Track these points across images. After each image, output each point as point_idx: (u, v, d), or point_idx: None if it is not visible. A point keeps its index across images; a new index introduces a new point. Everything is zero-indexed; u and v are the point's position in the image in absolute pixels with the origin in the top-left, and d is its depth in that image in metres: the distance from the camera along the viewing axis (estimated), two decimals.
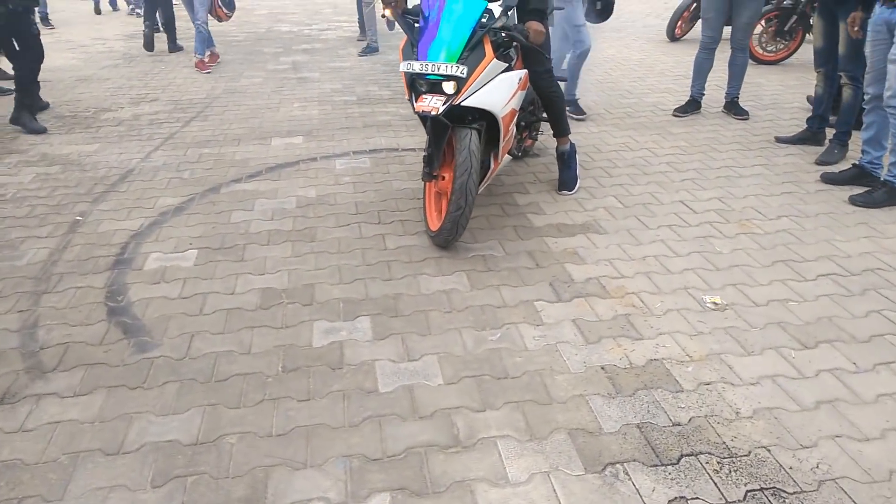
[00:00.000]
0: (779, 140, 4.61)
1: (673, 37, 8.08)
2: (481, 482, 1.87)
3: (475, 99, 2.86)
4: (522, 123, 3.68)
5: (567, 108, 4.07)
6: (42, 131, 4.97)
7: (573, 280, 2.90)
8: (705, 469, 1.90)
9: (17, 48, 4.82)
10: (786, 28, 6.61)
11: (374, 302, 2.76)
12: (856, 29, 3.66)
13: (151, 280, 2.96)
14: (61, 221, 3.55)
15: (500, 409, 2.14)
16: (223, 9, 6.99)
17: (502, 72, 2.98)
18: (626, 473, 1.89)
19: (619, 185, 3.94)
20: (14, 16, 4.65)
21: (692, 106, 5.27)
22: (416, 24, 3.03)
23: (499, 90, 2.95)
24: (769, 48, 6.87)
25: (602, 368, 2.34)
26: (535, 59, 3.37)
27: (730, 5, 4.83)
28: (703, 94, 5.27)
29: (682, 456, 1.95)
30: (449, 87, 2.80)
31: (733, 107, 5.21)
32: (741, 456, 1.94)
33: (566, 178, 3.79)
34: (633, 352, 2.43)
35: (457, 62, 2.79)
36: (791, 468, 1.90)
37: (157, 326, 2.61)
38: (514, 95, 3.04)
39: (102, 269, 3.05)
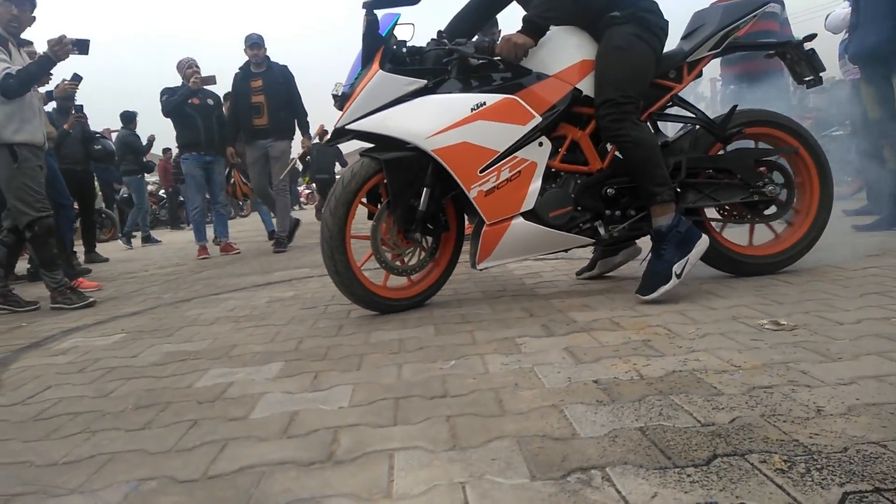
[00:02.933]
0: (858, 228, 3.80)
1: None
2: (340, 498, 1.04)
3: (368, 122, 2.34)
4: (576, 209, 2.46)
5: None
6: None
7: (574, 321, 2.11)
8: (758, 469, 1.00)
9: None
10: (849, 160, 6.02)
11: (299, 352, 2.06)
12: None
13: (50, 354, 2.38)
14: (5, 327, 3.11)
15: (416, 423, 1.33)
16: (247, 184, 6.62)
17: (454, 92, 2.37)
18: (607, 479, 1.01)
19: None
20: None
21: None
22: None
23: (419, 114, 2.33)
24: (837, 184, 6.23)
25: (595, 382, 1.50)
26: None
27: None
28: None
29: (714, 457, 1.06)
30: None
31: None
32: (831, 453, 1.04)
33: (649, 272, 2.29)
34: (646, 366, 1.58)
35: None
36: None
37: (12, 383, 2.00)
38: (460, 124, 2.30)
39: (7, 352, 2.50)
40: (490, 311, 2.42)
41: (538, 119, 2.34)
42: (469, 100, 2.34)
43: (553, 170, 2.42)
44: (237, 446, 1.31)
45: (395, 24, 2.41)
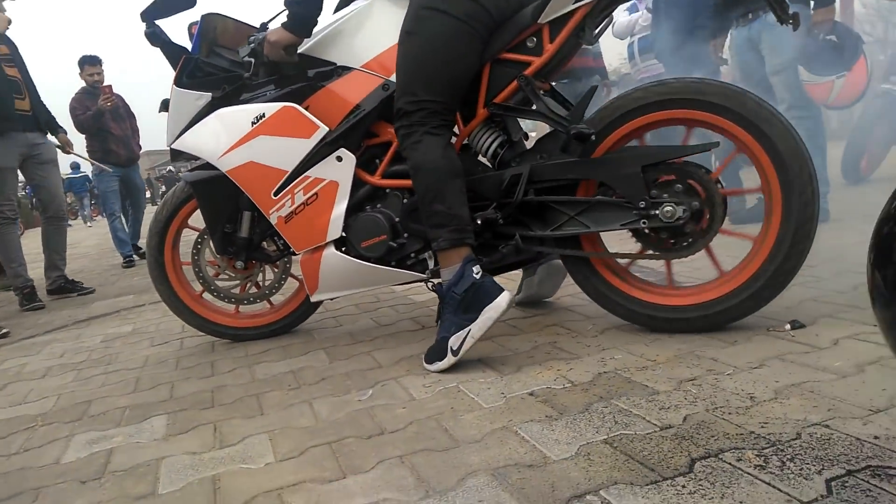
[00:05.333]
0: None
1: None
2: None
3: (181, 142, 2.13)
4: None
5: None
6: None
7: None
8: (740, 469, 1.04)
9: None
10: None
11: (178, 401, 1.81)
12: (719, 55, 3.46)
13: None
14: None
15: (370, 471, 1.22)
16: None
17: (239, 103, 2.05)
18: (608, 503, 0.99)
19: None
20: None
21: None
22: None
23: (210, 130, 2.06)
24: None
25: (531, 394, 1.48)
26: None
27: None
28: None
29: (693, 461, 1.08)
30: None
31: None
32: (791, 441, 1.11)
33: (436, 339, 1.79)
34: (570, 370, 1.60)
35: None
36: (878, 438, 1.07)
37: None
38: (244, 140, 2.00)
39: None
40: (376, 325, 2.32)
41: (323, 130, 1.93)
42: (250, 112, 2.00)
43: (378, 187, 1.99)
44: None
45: (204, 30, 2.11)
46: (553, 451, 1.19)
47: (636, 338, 1.78)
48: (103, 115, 5.33)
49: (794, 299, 1.89)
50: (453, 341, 1.69)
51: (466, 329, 1.67)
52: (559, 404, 1.40)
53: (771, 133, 1.65)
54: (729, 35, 3.39)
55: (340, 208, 1.98)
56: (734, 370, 1.46)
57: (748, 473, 1.03)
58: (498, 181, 1.83)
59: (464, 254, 1.72)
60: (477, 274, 1.68)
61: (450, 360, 1.69)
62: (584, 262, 1.87)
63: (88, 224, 19.22)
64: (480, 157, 1.99)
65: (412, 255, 1.98)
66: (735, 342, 1.64)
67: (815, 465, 1.02)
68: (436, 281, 1.84)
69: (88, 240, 5.82)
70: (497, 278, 1.77)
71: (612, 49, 6.74)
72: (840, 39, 3.25)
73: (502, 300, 1.65)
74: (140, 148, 6.04)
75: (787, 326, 1.68)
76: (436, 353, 1.73)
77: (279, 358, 2.09)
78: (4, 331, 3.22)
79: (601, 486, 1.05)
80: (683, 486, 1.01)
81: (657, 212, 1.70)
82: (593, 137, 1.75)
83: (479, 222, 1.83)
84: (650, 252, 1.80)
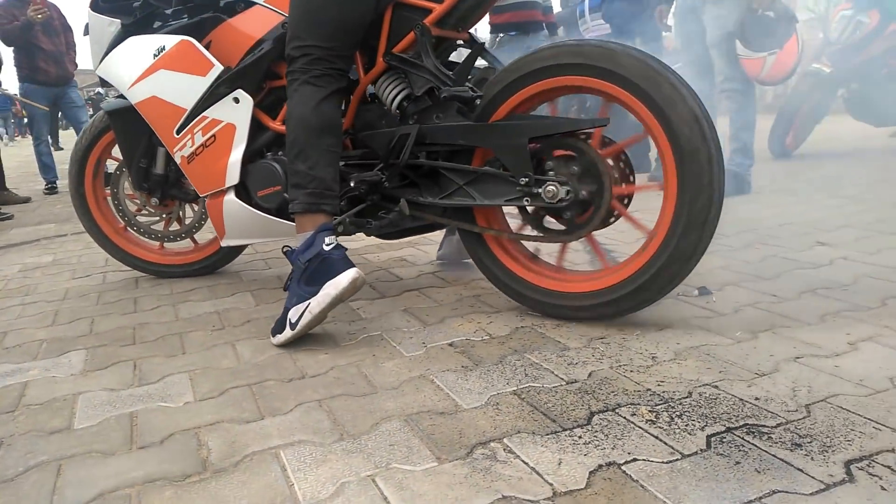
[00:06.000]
0: None
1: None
2: None
3: (101, 68, 2.05)
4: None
5: None
6: None
7: (400, 278, 2.13)
8: (633, 423, 1.12)
9: None
10: (587, 105, 6.72)
11: (98, 336, 1.80)
12: (664, 21, 3.52)
13: None
14: None
15: (288, 413, 1.25)
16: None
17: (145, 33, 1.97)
18: (510, 451, 1.06)
19: None
20: None
21: None
22: None
23: (122, 59, 1.98)
24: None
25: (450, 345, 1.54)
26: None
27: None
28: None
29: (592, 414, 1.16)
30: None
31: None
32: (682, 399, 1.20)
33: (282, 310, 1.64)
34: (490, 324, 1.66)
35: None
36: (758, 399, 1.18)
37: None
38: (147, 73, 1.92)
39: None
40: None
41: (218, 68, 1.84)
42: (153, 43, 1.92)
43: (280, 133, 1.86)
44: (77, 467, 1.12)
45: None
46: (465, 399, 1.26)
47: None
48: (33, 28, 4.95)
49: (706, 267, 2.00)
50: (293, 314, 1.56)
51: (306, 302, 1.54)
52: (476, 355, 1.47)
53: (659, 98, 1.42)
54: (674, 3, 3.44)
55: (237, 153, 1.88)
56: (641, 331, 1.55)
57: (639, 427, 1.11)
58: (387, 139, 1.71)
59: (318, 221, 1.59)
60: (328, 245, 1.54)
61: (287, 334, 1.57)
62: (475, 234, 1.74)
63: (8, 143, 18.16)
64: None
65: None
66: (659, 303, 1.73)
67: (699, 422, 1.12)
68: (291, 245, 1.67)
69: (8, 161, 5.48)
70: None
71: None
72: (776, 16, 3.35)
73: (344, 278, 1.51)
74: (76, 66, 5.64)
75: (695, 292, 1.79)
76: (279, 325, 1.61)
77: (205, 298, 2.08)
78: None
79: (505, 435, 1.12)
80: (580, 437, 1.09)
81: (540, 190, 1.56)
82: (477, 102, 1.63)
83: (352, 185, 1.73)
84: (535, 234, 1.69)
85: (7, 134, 19.38)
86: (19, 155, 11.50)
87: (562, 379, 1.32)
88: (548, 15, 5.12)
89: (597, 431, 1.11)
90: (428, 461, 1.05)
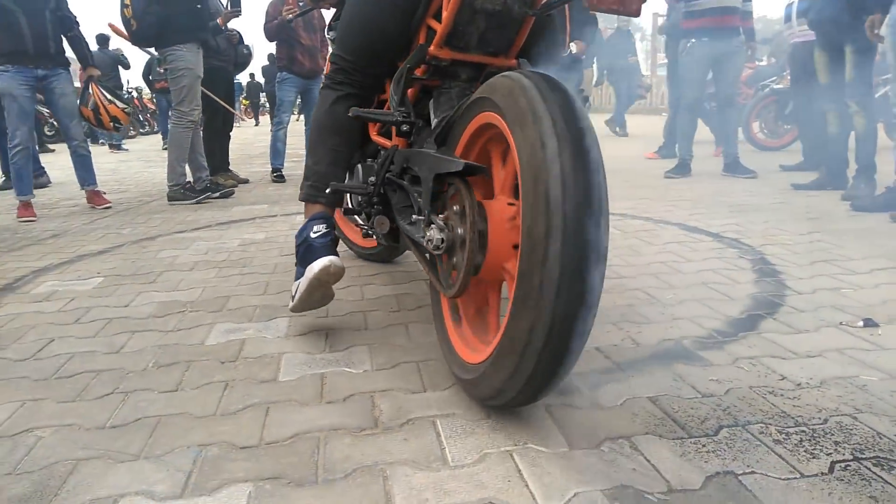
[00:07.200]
0: (797, 187, 4.12)
1: None
2: (402, 465, 1.17)
3: None
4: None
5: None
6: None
7: None
8: (760, 440, 1.19)
9: None
10: (786, 112, 6.36)
11: None
12: (875, 32, 3.29)
13: (32, 300, 2.36)
14: None
15: (446, 389, 1.47)
16: (115, 103, 4.54)
17: None
18: (635, 448, 1.18)
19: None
20: None
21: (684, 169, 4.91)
22: None
23: None
24: (771, 134, 6.60)
25: (597, 349, 1.67)
26: None
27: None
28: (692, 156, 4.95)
29: (721, 427, 1.25)
30: None
31: (736, 166, 4.79)
32: (815, 425, 1.24)
33: None
34: (639, 333, 1.76)
35: None
36: None
37: (11, 335, 1.99)
38: None
39: None
40: None
41: None
42: None
43: None
44: (280, 411, 1.41)
45: None
46: (603, 398, 1.39)
47: (708, 311, 1.90)
48: (289, 25, 5.40)
49: (878, 299, 1.93)
50: (293, 287, 1.80)
51: (297, 281, 1.77)
52: (619, 361, 1.58)
53: (511, 114, 1.15)
54: (891, 13, 3.20)
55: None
56: (793, 356, 1.57)
57: (765, 444, 1.18)
58: (382, 158, 1.73)
59: (314, 210, 1.79)
60: (315, 233, 1.71)
61: (290, 304, 1.82)
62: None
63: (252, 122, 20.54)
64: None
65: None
66: (806, 331, 1.74)
67: (827, 448, 1.16)
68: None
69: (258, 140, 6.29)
70: None
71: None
72: None
73: (317, 264, 1.65)
74: (326, 63, 6.12)
75: (860, 323, 1.75)
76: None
77: (385, 283, 2.37)
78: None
79: (634, 434, 1.24)
80: (704, 445, 1.19)
81: (427, 234, 1.40)
82: (404, 127, 1.59)
83: (328, 191, 1.76)
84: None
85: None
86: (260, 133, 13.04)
87: (699, 392, 1.40)
88: (746, 20, 4.93)
89: (721, 443, 1.19)
90: (560, 446, 1.21)
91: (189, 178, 4.71)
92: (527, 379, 1.12)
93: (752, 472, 1.09)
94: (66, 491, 1.14)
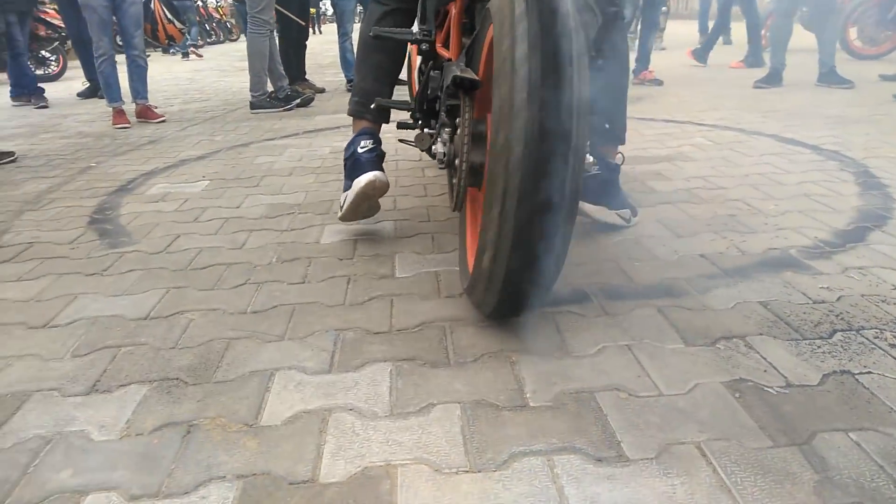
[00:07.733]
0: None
1: None
2: (527, 354, 1.26)
3: None
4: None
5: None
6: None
7: (655, 191, 2.28)
8: (875, 344, 1.23)
9: None
10: (889, 16, 5.91)
11: (401, 212, 2.23)
12: None
13: (149, 200, 2.53)
14: (73, 167, 3.21)
15: (565, 288, 1.54)
16: (174, 22, 4.67)
17: None
18: (750, 347, 1.24)
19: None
20: None
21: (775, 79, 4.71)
22: None
23: None
24: (869, 42, 6.18)
25: (701, 256, 1.70)
26: None
27: None
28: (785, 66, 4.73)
29: (835, 331, 1.28)
30: None
31: (832, 76, 4.56)
32: None
33: None
34: (743, 242, 1.78)
35: None
36: None
37: (140, 231, 2.16)
38: None
39: (99, 195, 2.64)
40: None
41: None
42: None
43: None
44: (404, 303, 1.51)
45: None
46: (713, 302, 1.44)
47: (811, 222, 1.89)
48: None
49: None
50: (342, 198, 1.87)
51: (345, 193, 1.84)
52: (725, 267, 1.62)
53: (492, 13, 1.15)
54: None
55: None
56: None
57: (881, 348, 1.22)
58: (424, 74, 1.73)
59: (360, 126, 1.84)
60: (362, 148, 1.76)
61: (338, 213, 1.90)
62: None
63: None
64: None
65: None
66: None
67: None
68: None
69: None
70: None
71: None
72: None
73: (363, 178, 1.73)
74: None
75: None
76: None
77: None
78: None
79: (748, 334, 1.29)
80: (819, 347, 1.23)
81: (438, 140, 1.43)
82: (424, 46, 1.65)
83: (372, 107, 1.79)
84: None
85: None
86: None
87: (810, 298, 1.44)
88: None
89: (836, 345, 1.24)
90: (676, 342, 1.28)
91: (270, 87, 4.79)
92: (500, 289, 1.16)
93: (870, 373, 1.14)
94: (227, 363, 1.28)
